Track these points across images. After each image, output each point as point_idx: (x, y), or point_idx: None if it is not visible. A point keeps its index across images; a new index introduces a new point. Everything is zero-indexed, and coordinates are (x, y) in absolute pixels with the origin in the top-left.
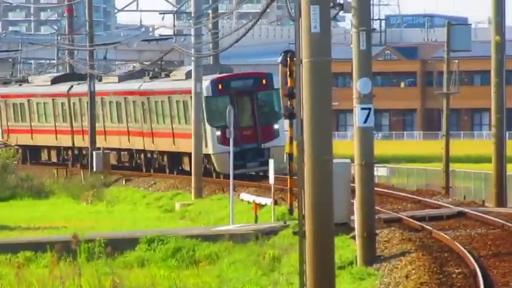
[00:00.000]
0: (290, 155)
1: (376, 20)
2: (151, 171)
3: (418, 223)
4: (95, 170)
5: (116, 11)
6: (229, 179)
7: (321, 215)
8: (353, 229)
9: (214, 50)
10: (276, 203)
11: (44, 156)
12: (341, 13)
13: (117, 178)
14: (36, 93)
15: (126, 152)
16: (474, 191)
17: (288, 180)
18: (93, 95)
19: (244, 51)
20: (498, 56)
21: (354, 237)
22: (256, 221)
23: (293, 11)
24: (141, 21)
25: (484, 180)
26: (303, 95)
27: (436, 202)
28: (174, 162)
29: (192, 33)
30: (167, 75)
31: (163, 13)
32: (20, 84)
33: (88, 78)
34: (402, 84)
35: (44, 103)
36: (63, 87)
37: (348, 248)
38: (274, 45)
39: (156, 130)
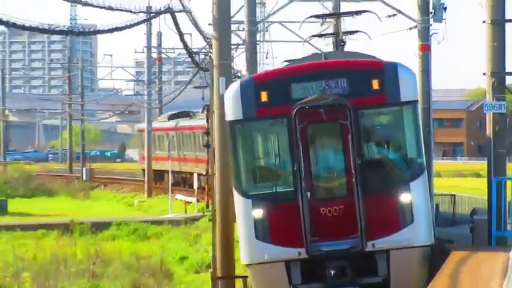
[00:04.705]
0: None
1: None
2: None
3: None
4: (84, 179)
5: (97, 79)
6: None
7: (224, 208)
8: None
9: (159, 104)
10: (198, 201)
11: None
12: None
13: (98, 184)
14: None
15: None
16: None
17: (206, 187)
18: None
19: (179, 105)
20: None
21: None
22: (185, 212)
23: (209, 80)
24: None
25: None
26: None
27: None
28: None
29: (146, 93)
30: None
31: (128, 81)
32: None
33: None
34: None
35: None
36: None
37: None
38: (198, 102)
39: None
